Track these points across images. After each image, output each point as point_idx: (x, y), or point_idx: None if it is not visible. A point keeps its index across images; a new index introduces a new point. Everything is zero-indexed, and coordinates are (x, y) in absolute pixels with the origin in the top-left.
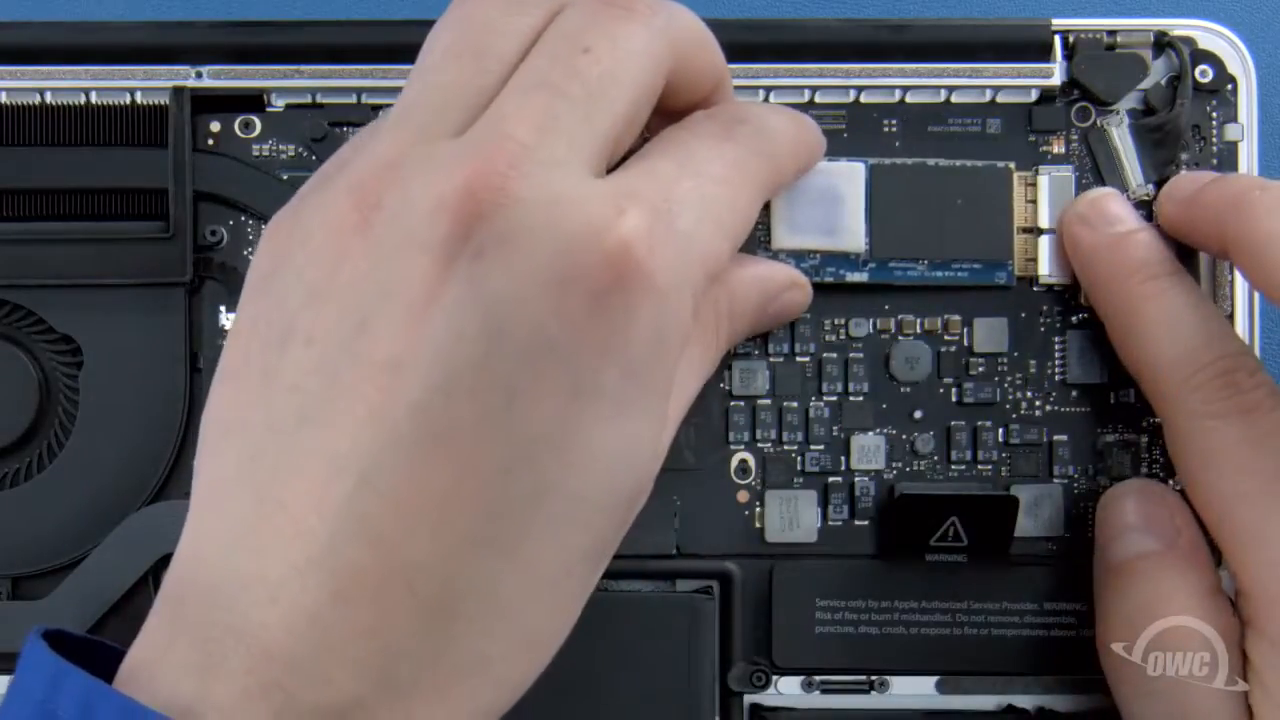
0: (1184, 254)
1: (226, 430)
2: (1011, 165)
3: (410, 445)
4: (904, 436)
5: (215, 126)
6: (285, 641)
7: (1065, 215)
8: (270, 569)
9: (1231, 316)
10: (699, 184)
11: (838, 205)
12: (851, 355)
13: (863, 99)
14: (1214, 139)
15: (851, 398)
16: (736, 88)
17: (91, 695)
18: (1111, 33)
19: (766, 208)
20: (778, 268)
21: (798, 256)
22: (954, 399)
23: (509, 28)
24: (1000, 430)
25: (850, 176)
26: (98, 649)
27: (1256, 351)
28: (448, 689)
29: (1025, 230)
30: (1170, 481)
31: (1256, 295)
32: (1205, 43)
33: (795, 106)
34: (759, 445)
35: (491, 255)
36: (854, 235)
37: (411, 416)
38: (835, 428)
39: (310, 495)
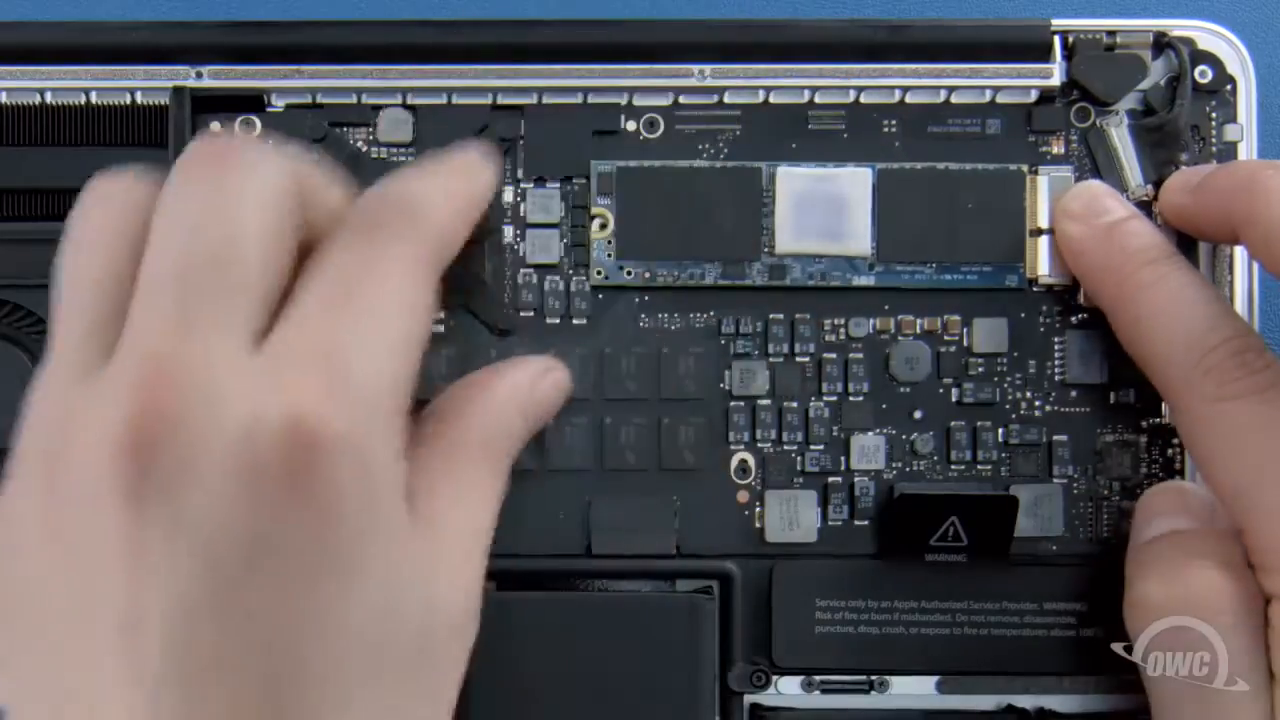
0: (1183, 250)
1: None
2: (1024, 168)
3: (180, 687)
4: (904, 436)
5: (215, 127)
6: None
7: (1055, 212)
8: None
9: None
10: (354, 315)
11: (844, 209)
12: (851, 355)
13: (862, 99)
14: (1213, 139)
15: (851, 398)
16: (734, 89)
17: None
18: (1111, 33)
19: (770, 213)
20: (519, 367)
21: (802, 260)
22: (954, 399)
23: (108, 237)
24: (1000, 430)
25: (857, 181)
26: None
27: None
28: None
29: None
30: (1174, 480)
31: (1257, 288)
32: (1204, 43)
33: (795, 106)
34: (759, 445)
35: (175, 484)
36: (860, 239)
37: (168, 662)
38: (835, 428)
39: None
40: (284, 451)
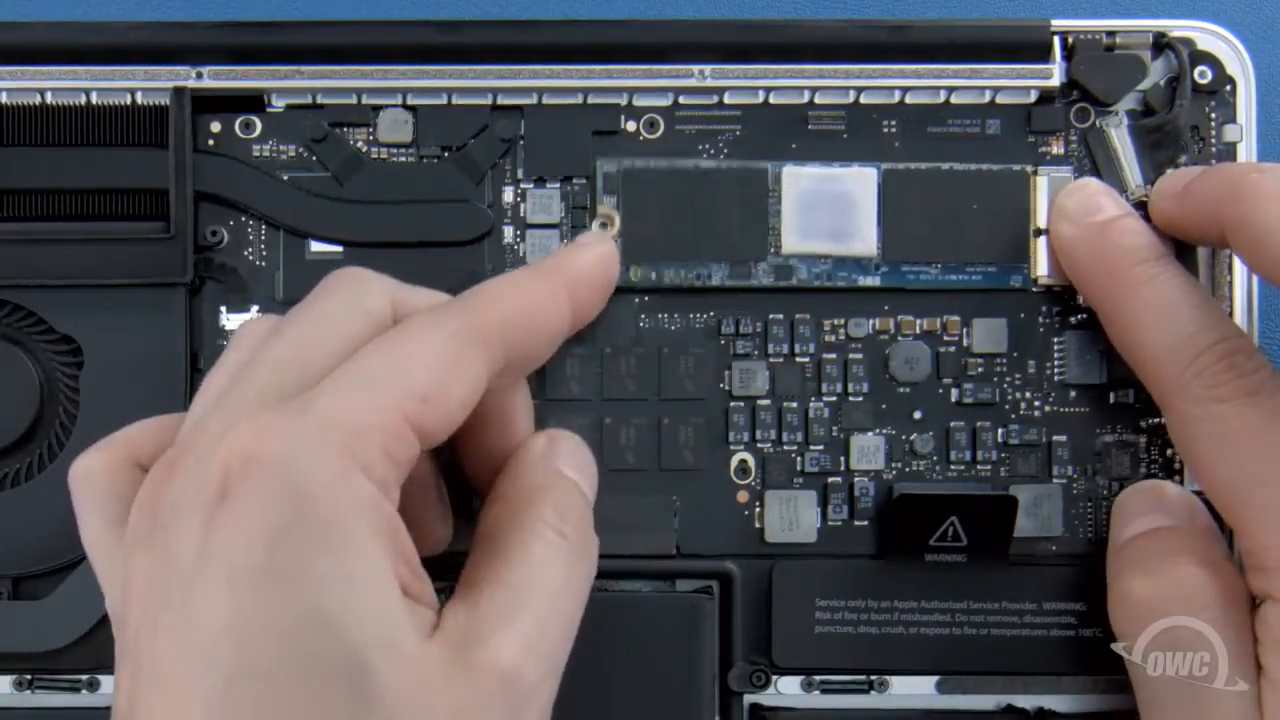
0: (1181, 252)
1: None
2: (1029, 168)
3: (154, 689)
4: (903, 437)
5: (215, 127)
6: None
7: (1050, 211)
8: None
9: (1230, 311)
10: (349, 371)
11: (849, 210)
12: (851, 356)
13: (862, 99)
14: (1213, 140)
15: (851, 398)
16: (734, 89)
17: None
18: (1111, 34)
19: (776, 213)
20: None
21: (807, 261)
22: (953, 399)
23: (237, 355)
24: (999, 430)
25: (862, 182)
26: None
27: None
28: None
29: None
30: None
31: (1255, 289)
32: (1204, 44)
33: (795, 106)
34: (759, 445)
35: (168, 523)
36: (865, 240)
37: (138, 678)
38: (835, 428)
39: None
40: (221, 474)
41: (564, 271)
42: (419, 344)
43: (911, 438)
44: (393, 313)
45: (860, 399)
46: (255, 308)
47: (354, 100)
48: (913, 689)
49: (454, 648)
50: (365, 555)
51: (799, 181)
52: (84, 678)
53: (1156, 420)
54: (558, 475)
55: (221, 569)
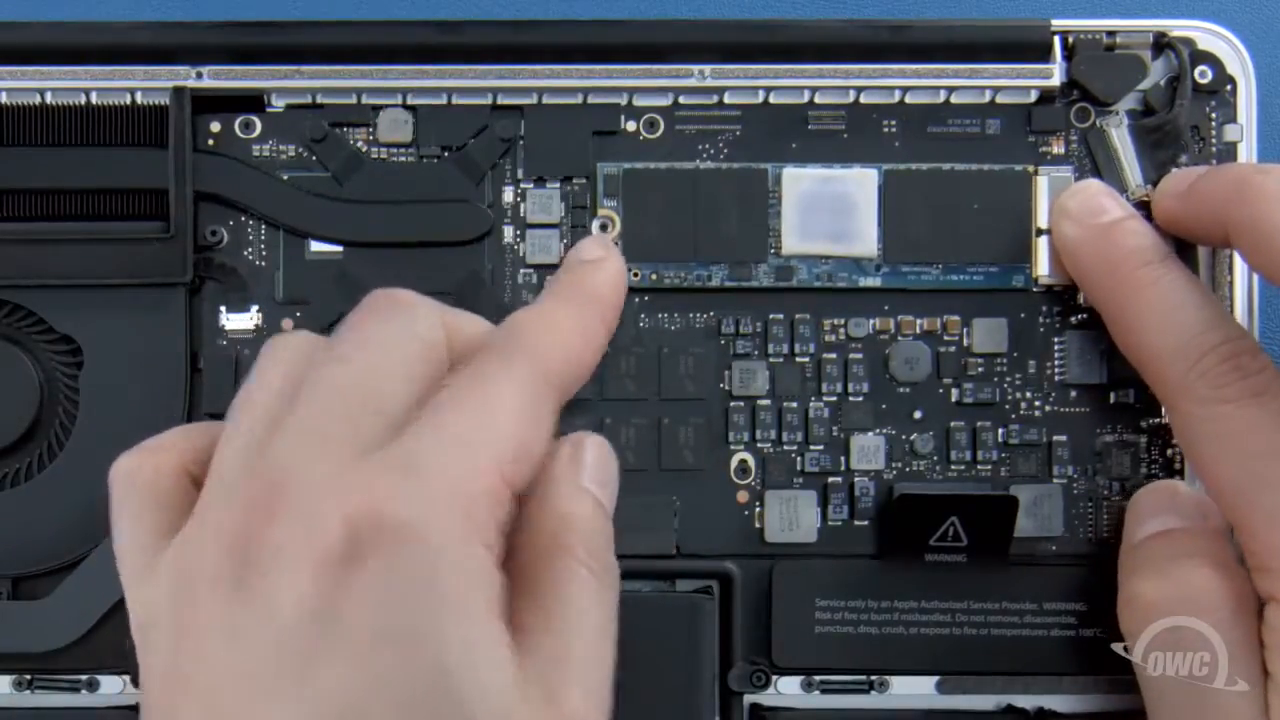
0: (1181, 250)
1: None
2: (1029, 168)
3: None
4: (903, 437)
5: (215, 126)
6: None
7: (1052, 212)
8: None
9: (1231, 310)
10: (443, 425)
11: (849, 212)
12: (851, 356)
13: (862, 99)
14: (1213, 139)
15: (851, 398)
16: (734, 89)
17: None
18: (1111, 33)
19: (777, 214)
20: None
21: (808, 262)
22: (953, 399)
23: (277, 380)
24: (999, 430)
25: (862, 183)
26: None
27: None
28: None
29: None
30: (1165, 480)
31: (1257, 290)
32: (1204, 43)
33: (795, 106)
34: (759, 445)
35: (269, 570)
36: (866, 241)
37: None
38: (835, 428)
39: None
40: (349, 537)
41: (603, 304)
42: (501, 399)
43: (911, 438)
44: (446, 339)
45: (860, 399)
46: (255, 307)
47: (354, 100)
48: (913, 689)
49: (541, 705)
50: (486, 627)
51: (799, 183)
52: (84, 678)
53: (1157, 420)
54: (581, 498)
55: (349, 635)
